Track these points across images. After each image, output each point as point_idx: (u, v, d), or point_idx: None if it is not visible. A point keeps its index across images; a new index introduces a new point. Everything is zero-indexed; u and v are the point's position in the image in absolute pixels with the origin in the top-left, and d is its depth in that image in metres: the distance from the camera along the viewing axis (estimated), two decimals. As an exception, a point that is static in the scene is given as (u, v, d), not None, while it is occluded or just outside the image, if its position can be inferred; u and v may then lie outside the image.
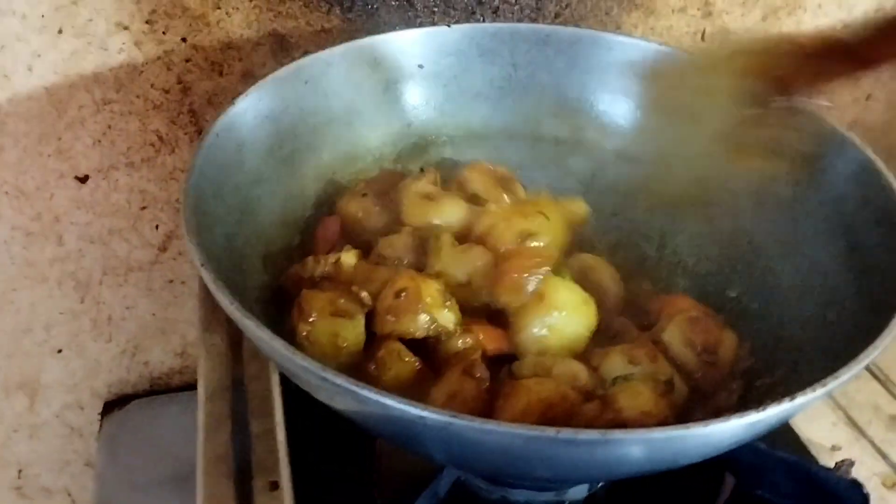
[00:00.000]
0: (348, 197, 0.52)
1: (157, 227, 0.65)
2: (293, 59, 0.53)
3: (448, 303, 0.44)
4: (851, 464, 0.51)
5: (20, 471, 0.74)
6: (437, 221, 0.49)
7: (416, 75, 0.57)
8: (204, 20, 0.58)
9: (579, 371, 0.43)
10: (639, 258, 0.56)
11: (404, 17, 0.60)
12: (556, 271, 0.47)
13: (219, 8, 0.57)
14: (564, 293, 0.45)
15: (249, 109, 0.49)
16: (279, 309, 0.46)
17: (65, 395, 0.71)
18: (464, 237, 0.49)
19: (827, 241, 0.49)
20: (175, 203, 0.63)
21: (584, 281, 0.49)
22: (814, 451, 0.54)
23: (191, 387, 0.54)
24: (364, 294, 0.44)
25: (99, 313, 0.68)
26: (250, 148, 0.49)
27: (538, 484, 0.47)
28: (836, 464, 0.51)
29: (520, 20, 0.63)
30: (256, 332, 0.36)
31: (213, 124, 0.46)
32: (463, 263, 0.47)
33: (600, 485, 0.48)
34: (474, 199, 0.52)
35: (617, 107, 0.58)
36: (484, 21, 0.62)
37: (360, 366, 0.43)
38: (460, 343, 0.44)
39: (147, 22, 0.56)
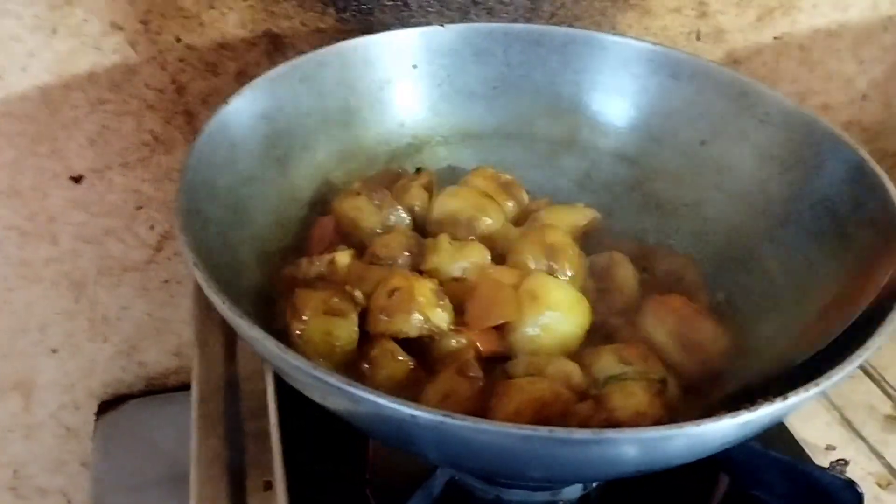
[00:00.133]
0: (343, 196, 0.52)
1: (152, 227, 0.65)
2: (287, 59, 0.53)
3: (441, 302, 0.44)
4: (846, 463, 0.51)
5: (15, 471, 0.74)
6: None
7: (411, 75, 0.57)
8: (198, 20, 0.58)
9: (572, 370, 0.43)
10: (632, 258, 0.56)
11: (399, 17, 0.60)
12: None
13: (213, 8, 0.57)
14: (558, 293, 0.45)
15: (243, 109, 0.49)
16: (273, 309, 0.46)
17: (60, 395, 0.71)
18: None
19: (820, 242, 0.49)
20: (170, 203, 0.64)
21: (606, 278, 0.49)
22: (808, 451, 0.54)
23: (186, 387, 0.54)
24: (357, 293, 0.44)
25: (94, 313, 0.68)
26: (244, 147, 0.49)
27: (532, 484, 0.47)
28: (831, 463, 0.51)
29: (515, 20, 0.63)
30: (249, 331, 0.36)
31: (206, 124, 0.46)
32: (459, 260, 0.47)
33: (595, 485, 0.48)
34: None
35: (611, 107, 0.58)
36: (478, 21, 0.62)
37: (354, 365, 0.43)
38: (454, 342, 0.44)
39: (141, 22, 0.56)
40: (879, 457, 0.55)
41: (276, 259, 0.49)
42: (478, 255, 0.48)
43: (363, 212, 0.50)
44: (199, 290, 0.61)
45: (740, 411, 0.33)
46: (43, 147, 0.59)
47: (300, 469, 0.48)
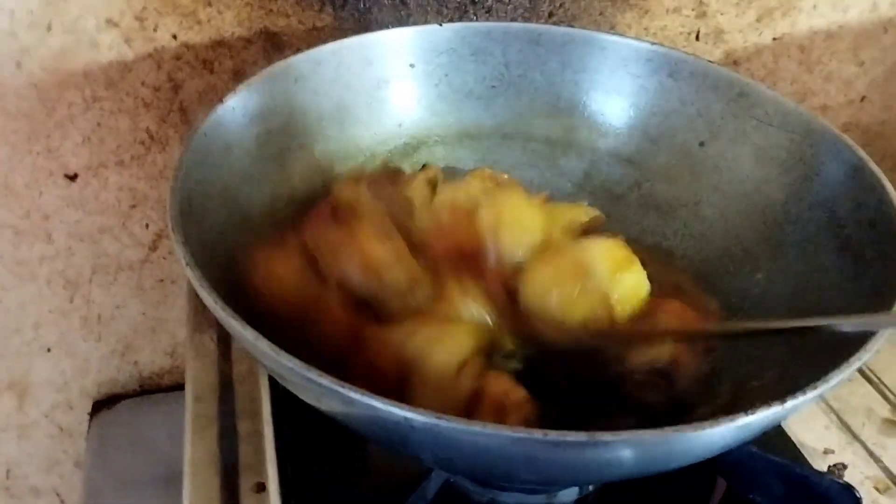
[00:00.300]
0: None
1: (147, 225, 0.64)
2: (285, 58, 0.53)
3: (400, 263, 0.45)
4: (844, 467, 0.51)
5: (8, 471, 0.74)
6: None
7: (408, 74, 0.57)
8: (195, 18, 0.57)
9: None
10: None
11: (397, 16, 0.60)
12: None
13: (210, 5, 0.57)
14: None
15: (239, 107, 0.49)
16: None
17: (54, 394, 0.71)
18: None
19: (819, 243, 0.48)
20: (165, 202, 0.63)
21: None
22: (806, 455, 0.54)
23: (181, 387, 0.53)
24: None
25: (88, 312, 0.67)
26: (239, 146, 0.49)
27: (529, 486, 0.46)
28: (829, 467, 0.50)
29: (513, 19, 0.62)
30: (242, 331, 0.35)
31: (201, 122, 0.46)
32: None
33: (591, 488, 0.48)
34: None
35: (609, 107, 0.58)
36: (477, 20, 0.61)
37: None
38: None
39: (137, 19, 0.56)
40: (877, 461, 0.55)
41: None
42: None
43: (362, 198, 0.50)
44: (193, 289, 0.61)
45: (738, 414, 0.33)
46: (37, 145, 0.59)
47: (294, 471, 0.47)
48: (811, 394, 0.34)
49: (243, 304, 0.40)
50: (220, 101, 0.48)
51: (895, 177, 0.47)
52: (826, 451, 0.55)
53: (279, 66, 0.52)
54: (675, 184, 0.56)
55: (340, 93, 0.54)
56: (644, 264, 0.49)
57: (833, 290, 0.46)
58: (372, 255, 0.45)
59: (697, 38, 0.68)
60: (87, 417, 0.71)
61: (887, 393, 0.60)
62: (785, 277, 0.50)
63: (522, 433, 0.32)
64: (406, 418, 0.32)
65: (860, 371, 0.61)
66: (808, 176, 0.51)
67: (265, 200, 0.50)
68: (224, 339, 0.56)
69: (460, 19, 0.61)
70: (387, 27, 0.57)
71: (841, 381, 0.35)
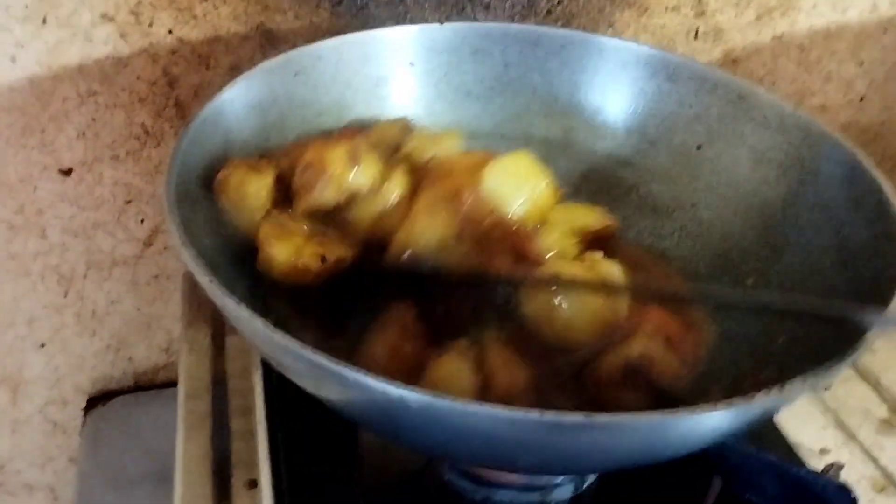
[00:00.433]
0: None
1: (142, 221, 0.64)
2: (281, 54, 0.53)
3: (361, 163, 0.44)
4: (840, 467, 0.50)
5: (2, 466, 0.73)
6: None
7: (408, 72, 0.57)
8: (190, 12, 0.57)
9: None
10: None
11: (394, 13, 0.60)
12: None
13: (206, 0, 0.57)
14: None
15: (237, 98, 0.49)
16: (266, 303, 0.46)
17: (48, 390, 0.70)
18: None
19: (817, 244, 0.48)
20: (160, 197, 0.63)
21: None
22: (802, 455, 0.54)
23: (176, 383, 0.53)
24: (282, 161, 0.46)
25: (83, 308, 0.67)
26: (237, 137, 0.48)
27: (522, 483, 0.46)
28: (825, 467, 0.50)
29: (511, 17, 0.62)
30: (236, 310, 0.35)
31: (200, 111, 0.46)
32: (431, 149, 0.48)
33: (586, 485, 0.48)
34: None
35: (608, 109, 0.58)
36: (476, 17, 0.61)
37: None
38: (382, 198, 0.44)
39: (133, 13, 0.56)
40: (874, 461, 0.55)
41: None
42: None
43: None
44: (187, 284, 0.61)
45: (736, 399, 0.33)
46: (32, 139, 0.59)
47: (287, 468, 0.47)
48: (811, 381, 0.34)
49: (240, 291, 0.40)
50: (220, 90, 0.48)
51: (895, 178, 0.47)
52: (822, 451, 0.55)
53: (279, 59, 0.51)
54: (672, 186, 0.56)
55: (339, 89, 0.54)
56: (640, 266, 0.49)
57: (831, 292, 0.45)
58: (328, 156, 0.45)
59: (696, 36, 0.68)
60: (81, 413, 0.71)
61: (885, 393, 0.60)
62: (782, 279, 0.49)
63: (519, 413, 0.31)
64: (401, 397, 0.32)
65: (858, 371, 0.61)
66: (806, 178, 0.50)
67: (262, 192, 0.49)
68: (218, 336, 0.56)
69: (458, 16, 0.61)
70: (384, 24, 0.57)
71: (839, 370, 0.35)
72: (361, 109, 0.56)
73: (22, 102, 0.57)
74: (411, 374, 0.42)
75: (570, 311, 0.43)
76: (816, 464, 0.52)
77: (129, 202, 0.63)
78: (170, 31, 0.57)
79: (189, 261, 0.37)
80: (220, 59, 0.59)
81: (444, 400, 0.31)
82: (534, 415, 0.31)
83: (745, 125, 0.54)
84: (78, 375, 0.70)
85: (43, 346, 0.68)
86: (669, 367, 0.43)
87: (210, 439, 0.47)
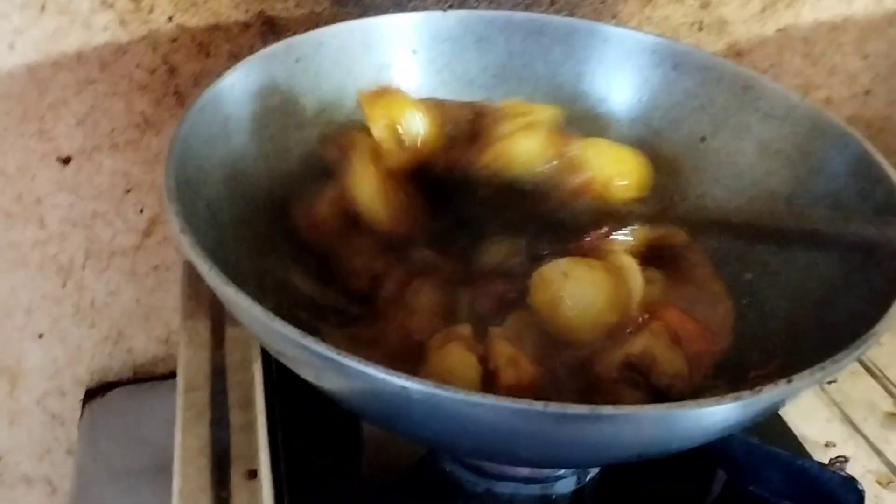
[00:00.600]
0: None
1: (141, 210, 0.64)
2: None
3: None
4: (845, 460, 0.50)
5: (0, 458, 0.73)
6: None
7: (410, 60, 0.56)
8: (191, 0, 0.56)
9: None
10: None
11: (397, 0, 0.59)
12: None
13: (206, -13, 0.56)
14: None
15: (237, 84, 0.48)
16: (264, 288, 0.45)
17: (46, 381, 0.70)
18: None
19: (824, 235, 0.48)
20: (160, 186, 0.62)
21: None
22: (808, 448, 0.53)
23: (174, 375, 0.53)
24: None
25: (81, 298, 0.66)
26: (237, 123, 0.48)
27: (524, 476, 0.46)
28: (831, 460, 0.50)
29: (514, 6, 0.62)
30: (235, 298, 0.34)
31: (199, 96, 0.45)
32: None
33: (588, 478, 0.48)
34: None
35: (612, 98, 0.57)
36: (478, 5, 0.61)
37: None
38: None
39: (132, 0, 0.55)
40: (880, 455, 0.54)
41: (266, 239, 0.48)
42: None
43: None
44: (187, 275, 0.60)
45: (743, 392, 0.32)
46: (30, 127, 0.58)
47: (287, 460, 0.47)
48: (818, 374, 0.34)
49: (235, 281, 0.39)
50: (220, 76, 0.47)
51: (900, 172, 0.47)
52: (828, 445, 0.55)
53: (280, 45, 0.51)
54: (677, 176, 0.55)
55: (341, 76, 0.54)
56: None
57: (838, 283, 0.45)
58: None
59: (700, 28, 0.68)
60: (80, 405, 0.70)
61: (890, 386, 0.59)
62: (789, 270, 0.49)
63: (523, 405, 0.31)
64: (403, 388, 0.31)
65: (863, 365, 0.60)
66: (813, 169, 0.50)
67: (262, 179, 0.49)
68: (218, 327, 0.56)
69: (461, 5, 0.60)
70: (385, 12, 0.56)
71: (847, 364, 0.35)
72: (363, 97, 0.55)
73: (20, 90, 0.56)
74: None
75: (576, 305, 0.42)
76: (821, 457, 0.52)
77: (128, 191, 0.62)
78: (170, 19, 0.57)
79: (188, 249, 0.36)
80: (220, 47, 0.58)
81: (447, 391, 0.31)
82: (538, 406, 0.31)
83: (751, 116, 0.53)
84: (76, 366, 0.70)
85: (41, 336, 0.68)
86: (672, 366, 0.42)
87: (209, 431, 0.47)
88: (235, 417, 0.48)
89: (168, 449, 0.47)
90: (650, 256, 0.48)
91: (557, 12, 0.63)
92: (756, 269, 0.51)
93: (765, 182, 0.52)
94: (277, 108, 0.51)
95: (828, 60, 0.72)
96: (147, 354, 0.71)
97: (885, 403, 0.58)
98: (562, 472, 0.47)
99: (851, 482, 0.45)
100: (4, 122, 0.57)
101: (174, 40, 0.57)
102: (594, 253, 0.45)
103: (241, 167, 0.48)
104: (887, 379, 0.60)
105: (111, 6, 0.55)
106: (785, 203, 0.51)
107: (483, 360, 0.41)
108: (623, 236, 0.47)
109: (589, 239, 0.45)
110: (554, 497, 0.47)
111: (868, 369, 0.60)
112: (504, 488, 0.46)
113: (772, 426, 0.53)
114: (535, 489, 0.46)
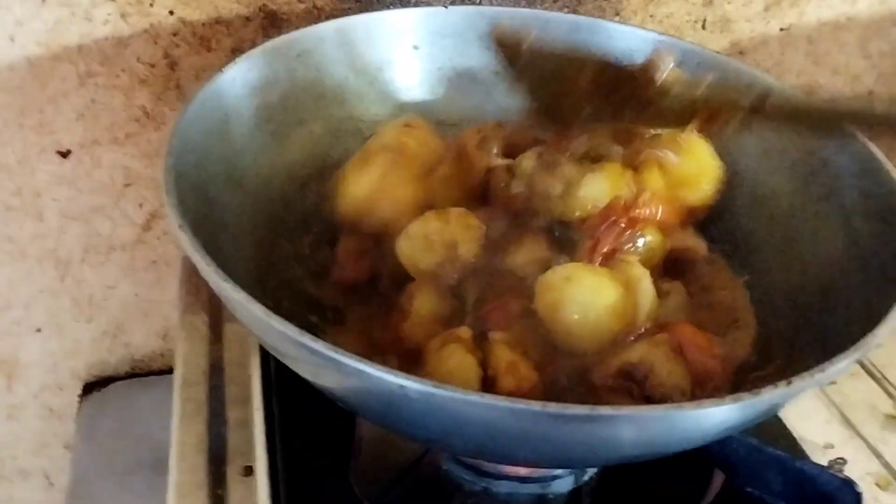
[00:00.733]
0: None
1: (140, 205, 0.63)
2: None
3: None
4: (844, 462, 0.50)
5: (-3, 452, 0.73)
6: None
7: (412, 56, 0.56)
8: (192, -7, 0.56)
9: None
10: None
11: (398, -5, 0.59)
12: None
13: (208, -20, 0.56)
14: None
15: (238, 78, 0.48)
16: (263, 285, 0.45)
17: (43, 375, 0.70)
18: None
19: (826, 236, 0.48)
20: (160, 180, 0.62)
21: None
22: (807, 449, 0.53)
23: (172, 370, 0.53)
24: None
25: (79, 292, 0.66)
26: (237, 118, 0.48)
27: (524, 472, 0.45)
28: (829, 462, 0.50)
29: (517, 2, 0.61)
30: (233, 294, 0.34)
31: (199, 90, 0.45)
32: None
33: (586, 478, 0.47)
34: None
35: (614, 94, 0.57)
36: (480, 2, 0.60)
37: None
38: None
39: (133, -7, 0.55)
40: (879, 457, 0.54)
41: (266, 236, 0.48)
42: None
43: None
44: (185, 270, 0.60)
45: (743, 394, 0.32)
46: (30, 120, 0.58)
47: (283, 456, 0.47)
48: (818, 376, 0.34)
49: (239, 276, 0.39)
50: (220, 70, 0.47)
51: (903, 172, 0.46)
52: (826, 446, 0.54)
53: (282, 39, 0.51)
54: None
55: (342, 71, 0.54)
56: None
57: (840, 282, 0.45)
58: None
59: (704, 26, 0.67)
60: (77, 399, 0.70)
61: (890, 388, 0.59)
62: (791, 269, 0.49)
63: (521, 404, 0.31)
64: (401, 386, 0.31)
65: (862, 366, 0.60)
66: (816, 168, 0.50)
67: (262, 175, 0.49)
68: (216, 323, 0.56)
69: (463, 0, 0.60)
70: (387, 7, 0.56)
71: (847, 366, 0.35)
72: (364, 92, 0.55)
73: (20, 82, 0.56)
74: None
75: (576, 310, 0.41)
76: (820, 459, 0.51)
77: (127, 186, 0.62)
78: (171, 12, 0.56)
79: (187, 244, 0.36)
80: (221, 42, 0.58)
81: (445, 390, 0.31)
82: (536, 406, 0.30)
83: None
84: (74, 361, 0.70)
85: (39, 330, 0.67)
86: (670, 378, 0.41)
87: (206, 426, 0.47)
88: (233, 413, 0.48)
89: (165, 443, 0.47)
90: (672, 269, 0.48)
91: (561, 9, 0.63)
92: (756, 269, 0.51)
93: (767, 181, 0.52)
94: (278, 103, 0.50)
95: (831, 60, 0.72)
96: (145, 349, 0.71)
97: (885, 405, 0.58)
98: (559, 471, 0.46)
99: (850, 484, 0.45)
100: (4, 114, 0.57)
101: (175, 34, 0.57)
102: (607, 262, 0.44)
103: (241, 162, 0.47)
104: (887, 381, 0.60)
105: (112, -1, 0.55)
106: (788, 202, 0.51)
107: (483, 364, 0.40)
108: (638, 244, 0.46)
109: (600, 239, 0.44)
110: (551, 496, 0.47)
111: (868, 371, 0.60)
112: (501, 487, 0.46)
113: (771, 427, 0.52)
114: (532, 488, 0.46)
